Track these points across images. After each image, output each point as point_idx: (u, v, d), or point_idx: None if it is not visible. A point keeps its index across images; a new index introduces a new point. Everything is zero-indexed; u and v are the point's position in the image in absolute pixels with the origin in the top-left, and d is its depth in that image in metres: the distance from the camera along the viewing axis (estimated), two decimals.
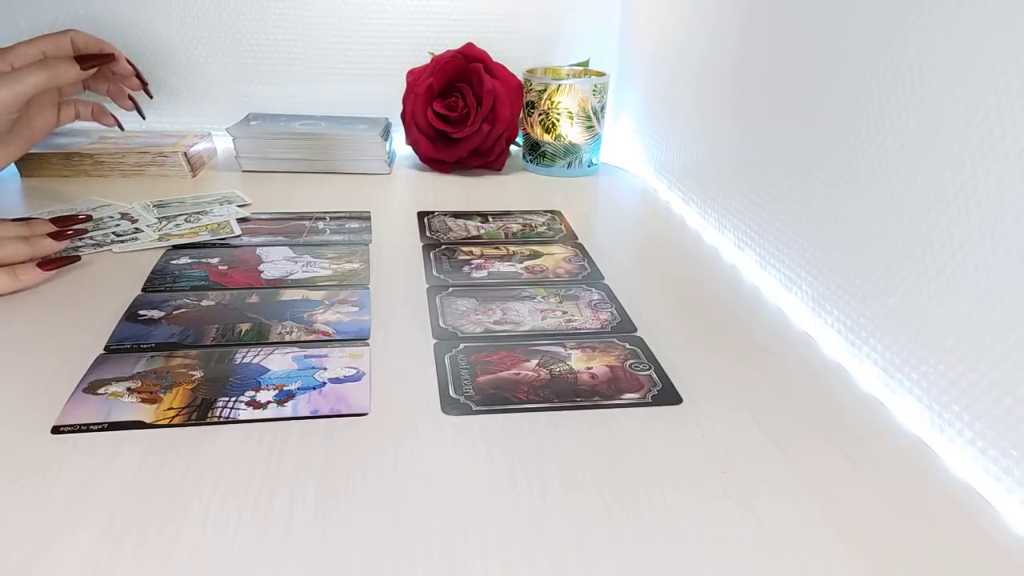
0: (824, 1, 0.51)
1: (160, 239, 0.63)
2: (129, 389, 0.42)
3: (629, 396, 0.43)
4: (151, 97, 0.73)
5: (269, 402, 0.41)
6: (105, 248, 0.61)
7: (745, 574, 0.31)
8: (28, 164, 0.79)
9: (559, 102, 0.83)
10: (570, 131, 0.84)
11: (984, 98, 0.37)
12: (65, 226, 0.57)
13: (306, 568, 0.30)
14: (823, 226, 0.51)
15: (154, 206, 0.70)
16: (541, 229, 0.69)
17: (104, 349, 0.46)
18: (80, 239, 0.61)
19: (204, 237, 0.63)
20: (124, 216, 0.67)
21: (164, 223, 0.66)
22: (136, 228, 0.65)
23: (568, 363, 0.46)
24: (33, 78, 0.57)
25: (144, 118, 0.73)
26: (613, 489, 0.36)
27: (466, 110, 0.82)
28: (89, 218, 0.63)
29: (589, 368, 0.46)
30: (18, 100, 0.57)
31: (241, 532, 0.32)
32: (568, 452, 0.38)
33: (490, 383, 0.44)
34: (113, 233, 0.64)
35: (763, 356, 0.48)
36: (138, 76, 0.70)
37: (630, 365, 0.46)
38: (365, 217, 0.70)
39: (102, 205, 0.70)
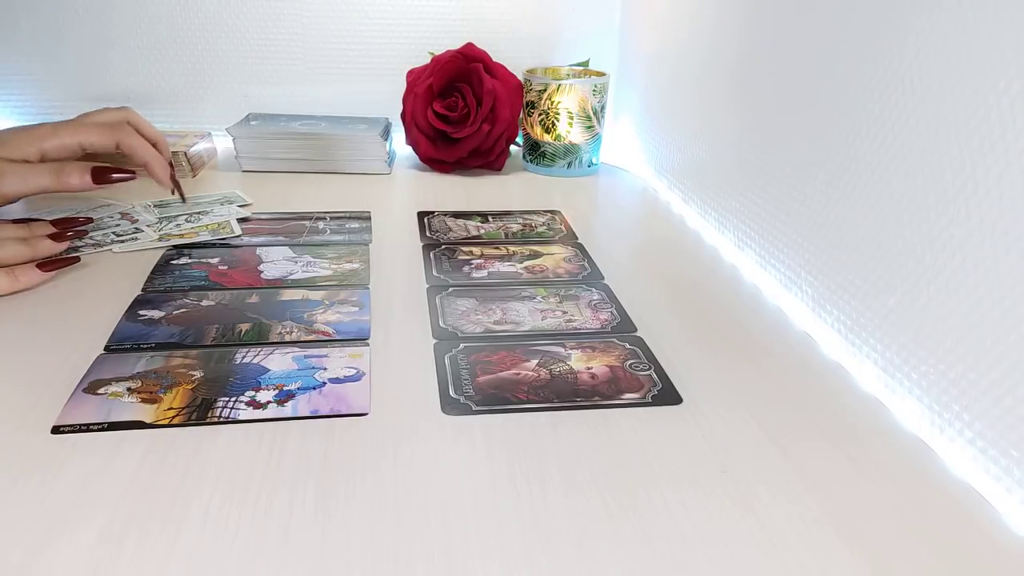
0: (824, 1, 0.51)
1: (160, 239, 0.63)
2: (129, 389, 0.42)
3: (629, 396, 0.43)
4: (183, 201, 0.71)
5: (269, 402, 0.41)
6: (105, 248, 0.61)
7: (745, 574, 0.31)
8: None
9: (559, 102, 0.83)
10: (570, 131, 0.84)
11: (984, 98, 0.37)
12: (65, 228, 0.57)
13: (306, 568, 0.30)
14: (823, 226, 0.51)
15: (154, 206, 0.70)
16: (541, 229, 0.69)
17: (104, 349, 0.46)
18: (80, 239, 0.61)
19: (204, 237, 0.63)
20: (124, 216, 0.67)
21: (164, 223, 0.66)
22: (136, 228, 0.65)
23: (568, 363, 0.46)
24: (40, 181, 0.58)
25: (183, 201, 0.71)
26: (613, 489, 0.36)
27: (466, 110, 0.82)
28: (90, 220, 0.63)
29: (589, 368, 0.46)
30: (17, 197, 0.59)
31: (241, 532, 0.32)
32: (568, 452, 0.38)
33: (490, 383, 0.44)
34: (113, 233, 0.64)
35: (763, 356, 0.48)
36: (175, 185, 0.69)
37: (630, 365, 0.46)
38: (365, 217, 0.70)
39: (102, 205, 0.70)
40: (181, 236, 0.63)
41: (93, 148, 0.63)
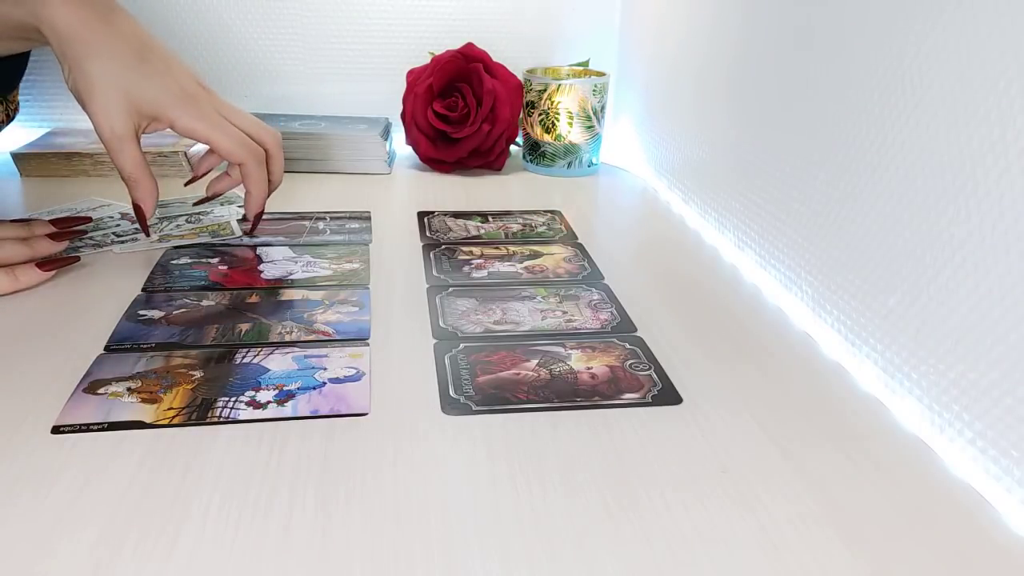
0: (824, 1, 0.50)
1: (160, 240, 0.63)
2: (129, 389, 0.42)
3: (629, 396, 0.43)
4: (249, 232, 0.64)
5: (269, 402, 0.41)
6: (105, 248, 0.61)
7: (745, 574, 0.31)
8: (28, 164, 0.79)
9: (559, 102, 0.83)
10: (570, 131, 0.84)
11: (984, 98, 0.37)
12: (64, 227, 0.57)
13: (306, 568, 0.30)
14: (823, 226, 0.51)
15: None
16: (541, 229, 0.69)
17: (104, 349, 0.46)
18: (80, 239, 0.61)
19: (204, 239, 0.63)
20: (124, 216, 0.67)
21: (164, 223, 0.66)
22: (136, 228, 0.65)
23: (568, 363, 0.46)
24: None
25: (249, 232, 0.65)
26: (613, 489, 0.36)
27: (466, 110, 0.82)
28: (89, 219, 0.63)
29: (589, 368, 0.46)
30: None
31: (241, 532, 0.32)
32: (568, 452, 0.38)
33: (490, 383, 0.44)
34: (113, 234, 0.64)
35: (763, 356, 0.48)
36: (254, 221, 0.62)
37: (630, 365, 0.46)
38: (365, 217, 0.70)
39: (102, 205, 0.70)
40: (181, 237, 0.63)
41: (213, 149, 0.57)
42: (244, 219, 0.65)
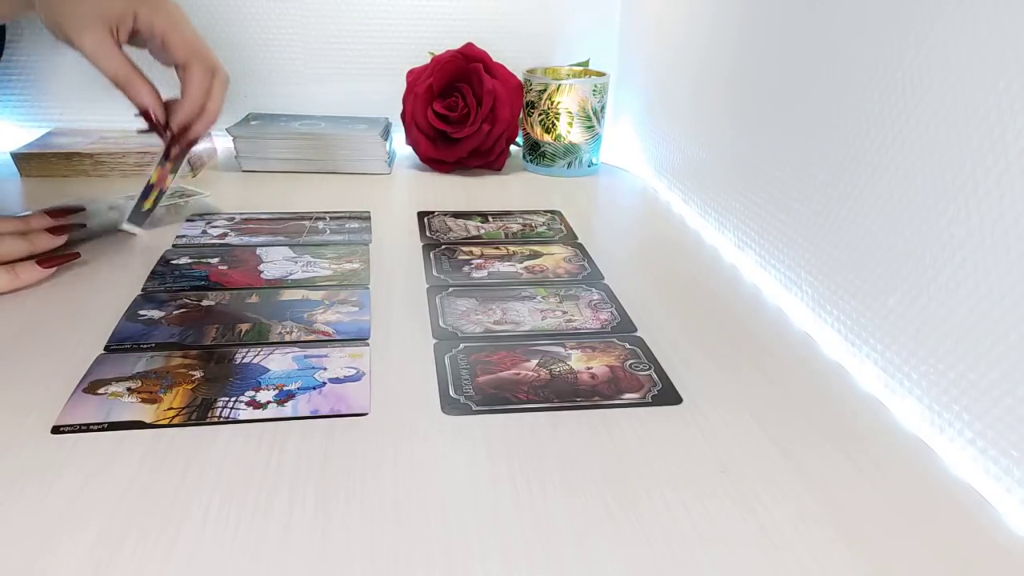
0: (824, 1, 0.50)
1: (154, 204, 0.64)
2: (129, 389, 0.42)
3: (629, 396, 0.43)
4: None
5: (269, 402, 0.41)
6: (107, 223, 0.62)
7: (745, 574, 0.31)
8: (28, 164, 0.79)
9: (559, 102, 0.83)
10: (570, 131, 0.84)
11: (984, 98, 0.37)
12: (60, 218, 0.57)
13: (306, 568, 0.30)
14: (823, 226, 0.51)
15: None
16: (541, 229, 0.69)
17: (104, 349, 0.46)
18: (78, 231, 0.61)
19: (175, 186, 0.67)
20: (112, 208, 0.67)
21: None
22: (111, 207, 0.64)
23: (568, 363, 0.46)
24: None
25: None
26: (613, 489, 0.36)
27: (466, 110, 0.82)
28: (82, 209, 0.62)
29: (589, 368, 0.46)
30: None
31: (241, 532, 0.32)
32: (568, 452, 0.38)
33: (490, 383, 0.44)
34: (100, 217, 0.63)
35: (763, 356, 0.48)
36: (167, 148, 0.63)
37: (630, 365, 0.46)
38: (365, 217, 0.70)
39: (92, 199, 0.69)
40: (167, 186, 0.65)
41: (165, 42, 0.59)
42: (149, 129, 0.62)
